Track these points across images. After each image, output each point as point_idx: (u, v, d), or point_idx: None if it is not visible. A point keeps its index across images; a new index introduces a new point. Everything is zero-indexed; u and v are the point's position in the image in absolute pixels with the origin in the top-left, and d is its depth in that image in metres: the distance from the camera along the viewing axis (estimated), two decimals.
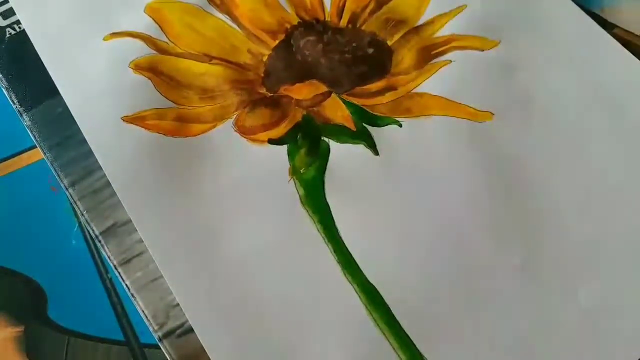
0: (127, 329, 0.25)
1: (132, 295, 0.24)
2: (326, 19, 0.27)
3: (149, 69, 0.26)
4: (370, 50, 0.26)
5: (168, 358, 0.23)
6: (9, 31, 0.27)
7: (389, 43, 0.26)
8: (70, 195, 0.25)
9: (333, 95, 0.26)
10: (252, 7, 0.27)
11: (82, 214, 0.25)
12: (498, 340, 0.23)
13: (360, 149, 0.25)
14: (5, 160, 0.28)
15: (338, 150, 0.25)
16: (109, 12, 0.27)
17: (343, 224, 0.24)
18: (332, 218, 0.24)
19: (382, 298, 0.23)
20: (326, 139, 0.25)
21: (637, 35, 0.28)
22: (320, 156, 0.25)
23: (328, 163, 0.25)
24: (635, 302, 0.23)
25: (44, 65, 0.26)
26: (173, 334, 0.23)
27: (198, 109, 0.26)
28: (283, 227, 0.24)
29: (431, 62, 0.26)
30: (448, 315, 0.23)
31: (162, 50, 0.26)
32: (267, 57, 0.26)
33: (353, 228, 0.24)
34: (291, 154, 0.25)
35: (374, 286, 0.23)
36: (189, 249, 0.24)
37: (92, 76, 0.26)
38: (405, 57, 0.26)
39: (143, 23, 0.27)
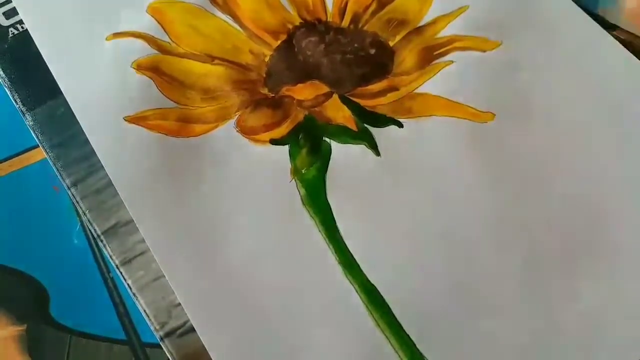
0: (129, 328, 0.25)
1: (134, 294, 0.24)
2: (328, 20, 0.27)
3: (151, 69, 0.26)
4: (372, 51, 0.26)
5: (169, 357, 0.23)
6: (11, 31, 0.27)
7: (391, 44, 0.26)
8: (73, 195, 0.25)
9: (334, 95, 0.26)
10: (254, 8, 0.27)
11: (84, 214, 0.25)
12: (498, 340, 0.23)
13: (362, 149, 0.25)
14: (7, 160, 0.28)
15: (339, 151, 0.25)
16: (111, 12, 0.27)
17: (344, 225, 0.24)
18: (333, 218, 0.24)
19: (382, 298, 0.23)
20: (328, 140, 0.25)
21: (637, 36, 0.28)
22: (322, 156, 0.25)
23: (329, 163, 0.25)
24: (636, 302, 0.23)
25: (46, 65, 0.26)
26: (174, 333, 0.23)
27: (200, 109, 0.26)
28: (284, 227, 0.24)
29: (433, 62, 0.26)
30: (448, 316, 0.23)
31: (164, 50, 0.26)
32: (269, 57, 0.26)
33: (354, 228, 0.24)
34: (293, 154, 0.25)
35: (374, 286, 0.23)
36: (191, 249, 0.24)
37: (95, 76, 0.26)
38: (407, 58, 0.26)
39: (145, 23, 0.27)
